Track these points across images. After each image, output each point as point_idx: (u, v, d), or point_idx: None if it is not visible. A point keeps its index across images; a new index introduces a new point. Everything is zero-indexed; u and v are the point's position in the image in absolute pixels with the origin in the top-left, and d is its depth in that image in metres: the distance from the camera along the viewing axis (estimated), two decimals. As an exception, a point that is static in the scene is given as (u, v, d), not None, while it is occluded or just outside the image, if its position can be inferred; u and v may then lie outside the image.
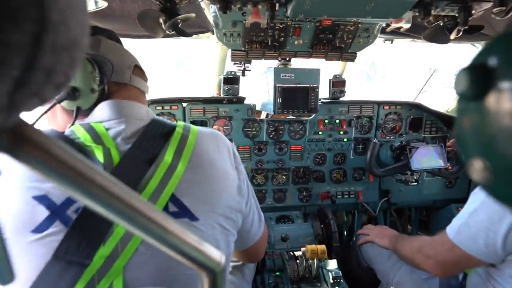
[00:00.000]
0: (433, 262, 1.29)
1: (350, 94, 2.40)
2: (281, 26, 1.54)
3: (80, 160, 0.34)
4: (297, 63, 1.98)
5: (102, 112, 0.87)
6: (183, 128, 0.92)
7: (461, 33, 1.26)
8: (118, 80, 0.91)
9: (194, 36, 1.91)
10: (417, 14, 1.17)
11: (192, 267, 0.43)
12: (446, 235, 1.23)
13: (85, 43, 0.31)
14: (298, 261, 1.69)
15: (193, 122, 2.19)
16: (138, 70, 0.99)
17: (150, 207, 0.40)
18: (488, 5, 1.06)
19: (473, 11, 1.12)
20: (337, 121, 2.36)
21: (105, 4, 1.19)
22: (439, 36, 1.40)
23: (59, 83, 0.29)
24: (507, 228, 1.04)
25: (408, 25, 1.42)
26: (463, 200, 2.44)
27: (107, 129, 0.83)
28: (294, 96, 1.89)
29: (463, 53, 2.53)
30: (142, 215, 0.38)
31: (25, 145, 0.29)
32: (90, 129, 0.82)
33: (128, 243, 0.73)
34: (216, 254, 0.43)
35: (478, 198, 1.14)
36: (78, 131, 0.81)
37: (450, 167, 2.20)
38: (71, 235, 0.69)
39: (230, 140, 2.23)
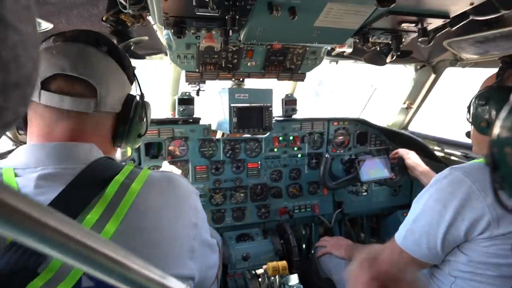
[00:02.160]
0: None
1: (302, 110, 2.53)
2: (234, 49, 1.59)
3: (28, 202, 0.32)
4: (250, 83, 2.04)
5: (17, 157, 0.73)
6: (127, 175, 0.75)
7: (394, 57, 1.42)
8: None
9: (147, 57, 1.88)
10: (358, 40, 1.29)
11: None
12: (395, 241, 1.32)
13: (36, 78, 0.30)
14: (260, 279, 1.69)
15: (148, 144, 2.12)
16: (62, 81, 0.75)
17: (110, 245, 0.38)
18: (415, 35, 1.21)
19: (403, 39, 1.27)
20: (291, 137, 2.45)
21: (50, 26, 1.13)
22: (377, 59, 1.56)
23: (8, 122, 0.27)
24: (444, 232, 1.15)
25: (350, 50, 1.56)
26: (406, 206, 2.65)
27: (17, 176, 0.69)
28: (249, 115, 1.93)
29: (397, 72, 2.82)
30: (102, 256, 0.36)
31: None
32: None
33: None
34: (180, 287, 0.43)
35: (418, 205, 1.26)
36: None
37: (394, 177, 2.39)
38: None
39: (187, 161, 2.20)
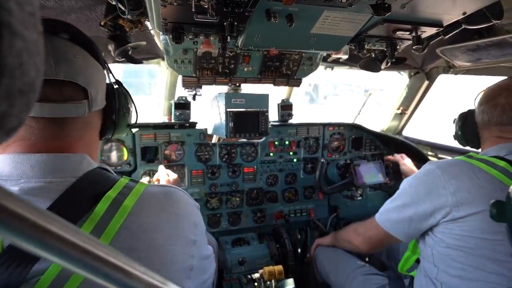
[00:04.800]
0: (362, 238, 1.57)
1: (298, 115, 2.54)
2: (231, 54, 1.60)
3: (32, 208, 0.32)
4: (246, 87, 2.05)
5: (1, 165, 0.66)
6: (120, 190, 0.69)
7: (389, 63, 1.44)
8: None
9: (144, 61, 1.88)
10: (353, 47, 1.31)
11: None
12: (374, 219, 1.48)
13: (39, 84, 0.30)
14: (256, 283, 1.68)
15: (144, 148, 2.11)
16: (47, 87, 0.65)
17: (111, 251, 0.38)
18: (409, 43, 1.24)
19: (397, 47, 1.30)
20: (287, 142, 2.46)
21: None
22: (372, 65, 1.58)
23: (12, 128, 0.28)
24: (413, 211, 1.29)
25: (346, 56, 1.58)
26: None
27: None
28: (245, 120, 1.94)
29: (391, 78, 2.86)
30: (104, 262, 0.36)
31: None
32: None
33: None
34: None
35: (398, 191, 1.41)
36: None
37: (388, 181, 2.42)
38: None
39: (183, 165, 2.20)
